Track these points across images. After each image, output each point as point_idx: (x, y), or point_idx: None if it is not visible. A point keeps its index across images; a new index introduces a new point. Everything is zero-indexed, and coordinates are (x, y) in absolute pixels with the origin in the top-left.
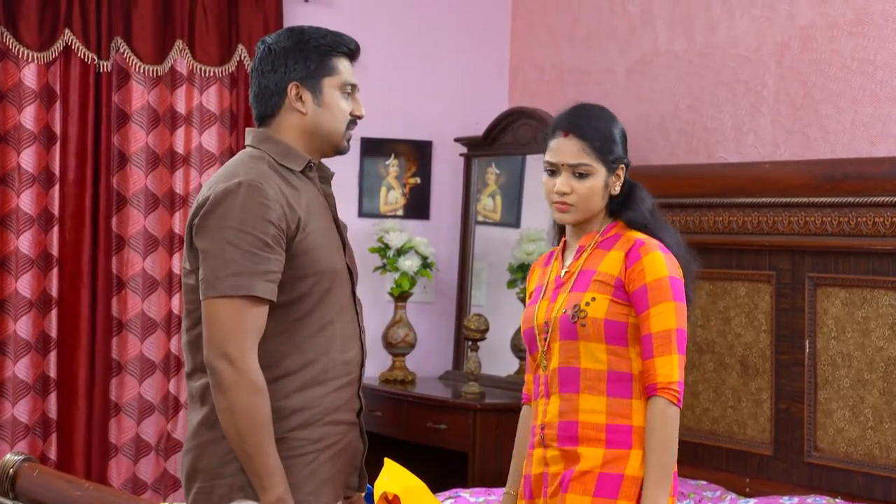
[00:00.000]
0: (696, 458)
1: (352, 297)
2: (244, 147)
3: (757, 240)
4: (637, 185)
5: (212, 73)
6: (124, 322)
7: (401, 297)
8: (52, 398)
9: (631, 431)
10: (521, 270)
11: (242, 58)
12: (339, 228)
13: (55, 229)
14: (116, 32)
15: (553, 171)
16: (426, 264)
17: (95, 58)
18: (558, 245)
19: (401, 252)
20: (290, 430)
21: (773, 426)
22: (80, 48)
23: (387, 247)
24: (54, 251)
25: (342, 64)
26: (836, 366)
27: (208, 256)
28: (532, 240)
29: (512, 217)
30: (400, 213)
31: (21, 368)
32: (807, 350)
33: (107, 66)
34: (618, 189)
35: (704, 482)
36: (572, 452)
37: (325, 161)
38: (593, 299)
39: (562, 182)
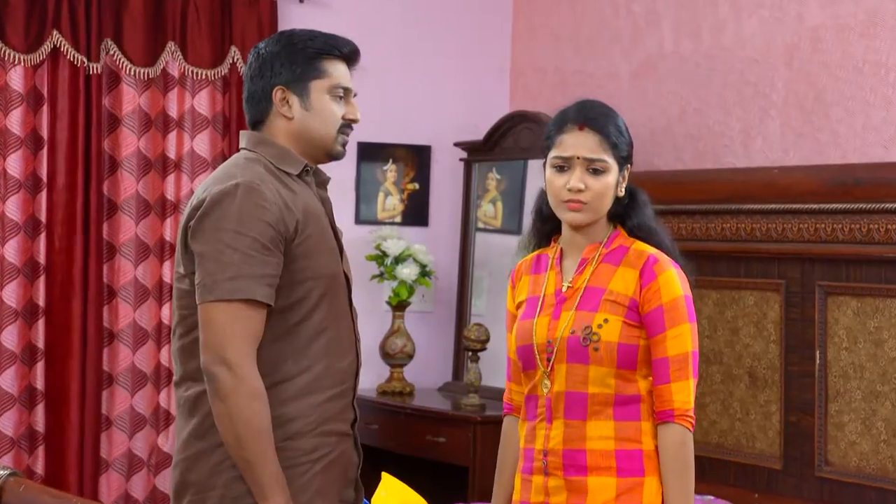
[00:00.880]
0: (703, 472)
1: (348, 305)
2: (238, 150)
3: (766, 247)
4: (638, 189)
5: (204, 76)
6: (115, 332)
7: (399, 306)
8: (39, 410)
9: (642, 456)
10: None
11: (235, 60)
12: (337, 234)
13: (42, 236)
14: (106, 34)
15: (563, 166)
16: (425, 272)
17: (85, 60)
18: (536, 251)
19: (399, 260)
20: (287, 439)
21: (782, 439)
22: (69, 50)
23: (384, 254)
24: (41, 259)
25: (333, 67)
26: (847, 377)
27: (205, 260)
28: (522, 250)
29: (513, 224)
30: (398, 219)
31: (6, 380)
32: (817, 361)
33: (96, 68)
34: (623, 191)
35: (712, 497)
36: (580, 483)
37: (321, 166)
38: (606, 321)
39: (576, 178)
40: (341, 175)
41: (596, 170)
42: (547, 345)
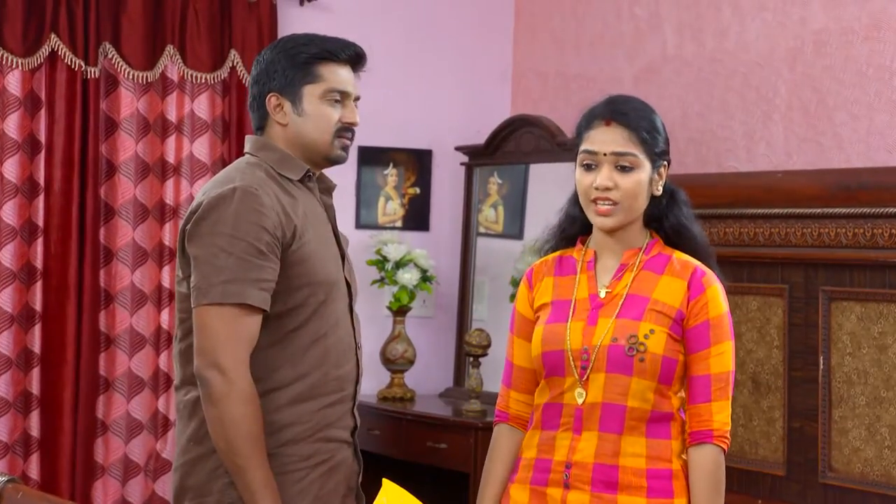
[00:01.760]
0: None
1: (349, 311)
2: (241, 155)
3: (769, 252)
4: (678, 189)
5: (203, 80)
6: (112, 337)
7: (399, 311)
8: (35, 416)
9: (671, 476)
10: None
11: (235, 64)
12: (339, 240)
13: (39, 241)
14: (105, 38)
15: (591, 164)
16: (426, 277)
17: (83, 64)
18: (556, 253)
19: (399, 265)
20: (281, 445)
21: (785, 446)
22: (67, 54)
23: (385, 259)
24: (38, 264)
25: (328, 71)
26: (851, 383)
27: (200, 263)
28: (536, 252)
29: (515, 228)
30: (399, 224)
31: (1, 385)
32: (821, 366)
33: (94, 72)
34: (660, 189)
35: None
36: (609, 501)
37: (327, 172)
38: (652, 332)
39: (604, 176)
40: (342, 179)
41: (625, 167)
42: (582, 351)
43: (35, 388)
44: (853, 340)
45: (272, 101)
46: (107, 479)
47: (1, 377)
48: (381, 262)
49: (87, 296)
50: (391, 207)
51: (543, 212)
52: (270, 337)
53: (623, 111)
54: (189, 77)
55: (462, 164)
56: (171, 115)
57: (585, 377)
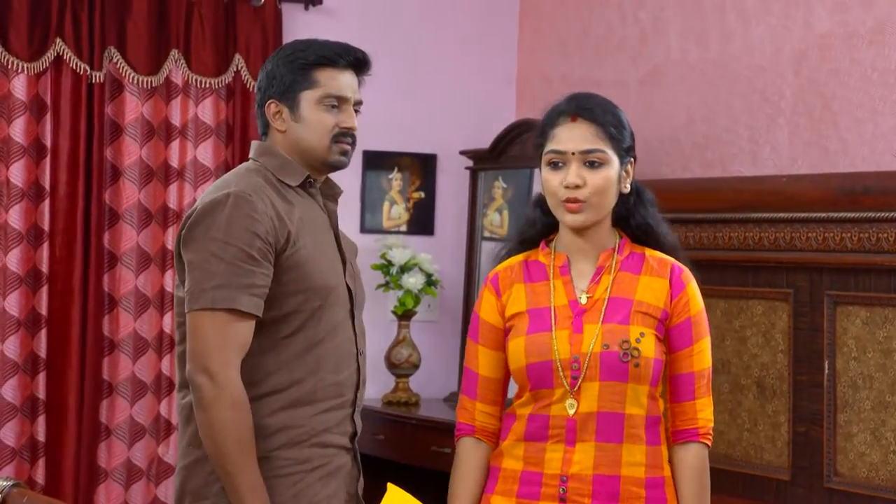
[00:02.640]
0: (711, 483)
1: (349, 317)
2: (244, 159)
3: (774, 256)
4: (645, 189)
5: (208, 85)
6: (116, 342)
7: (404, 315)
8: (41, 421)
9: (664, 484)
10: None
11: (239, 68)
12: (341, 247)
13: (45, 245)
14: (110, 42)
15: (558, 163)
16: (431, 282)
17: (88, 68)
18: (520, 256)
19: (404, 269)
20: (275, 448)
21: (791, 450)
22: (72, 58)
23: (390, 263)
24: (44, 268)
25: (325, 76)
26: (856, 387)
27: (193, 268)
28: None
29: None
30: (403, 228)
31: (8, 390)
32: (826, 371)
33: (99, 76)
34: (628, 187)
35: None
36: None
37: (334, 179)
38: (642, 335)
39: (573, 173)
40: (346, 184)
41: (593, 162)
42: (572, 360)
43: (41, 393)
44: (858, 345)
45: (271, 107)
46: (110, 483)
47: (8, 382)
48: (385, 267)
49: (91, 300)
50: (396, 212)
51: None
52: (265, 342)
53: (588, 107)
54: (193, 82)
55: (467, 168)
56: (176, 120)
57: (577, 387)
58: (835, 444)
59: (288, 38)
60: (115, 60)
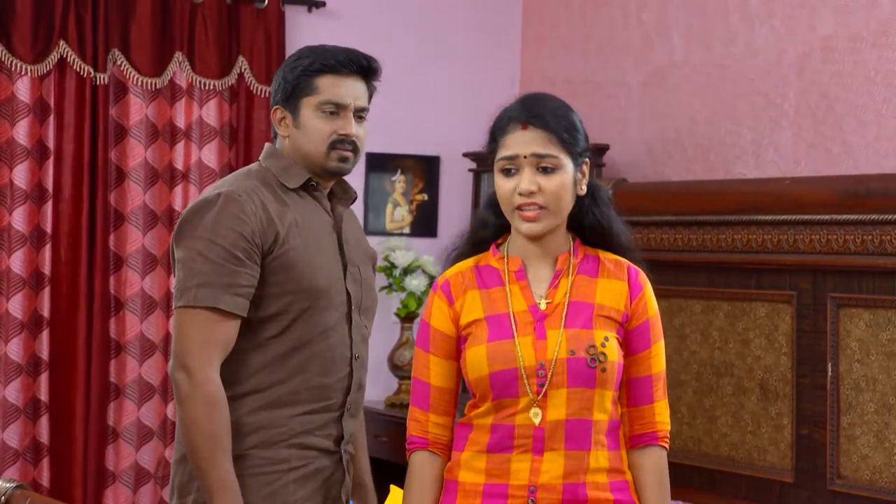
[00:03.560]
0: (713, 485)
1: (346, 321)
2: (248, 161)
3: (777, 259)
4: (600, 187)
5: (211, 87)
6: (122, 344)
7: (407, 317)
8: (44, 422)
9: (628, 488)
10: None
11: (243, 70)
12: (344, 250)
13: (48, 248)
14: (113, 44)
15: (510, 169)
16: None
17: (91, 70)
18: (470, 261)
19: (407, 271)
20: (251, 447)
21: (794, 452)
22: (76, 60)
23: (393, 266)
24: (47, 270)
25: (325, 83)
26: (859, 390)
27: (180, 266)
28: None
29: None
30: (406, 230)
31: (11, 392)
32: (829, 373)
33: (103, 78)
34: (584, 189)
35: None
36: None
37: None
38: (607, 339)
39: (527, 179)
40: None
41: (546, 168)
42: (538, 367)
43: (44, 395)
44: (862, 347)
45: (277, 113)
46: (118, 486)
47: (11, 384)
48: (388, 269)
49: (97, 303)
50: (399, 214)
51: None
52: (251, 341)
53: (538, 113)
54: (197, 84)
55: (470, 170)
56: (180, 122)
57: (542, 394)
58: (838, 447)
59: (291, 40)
60: (118, 62)
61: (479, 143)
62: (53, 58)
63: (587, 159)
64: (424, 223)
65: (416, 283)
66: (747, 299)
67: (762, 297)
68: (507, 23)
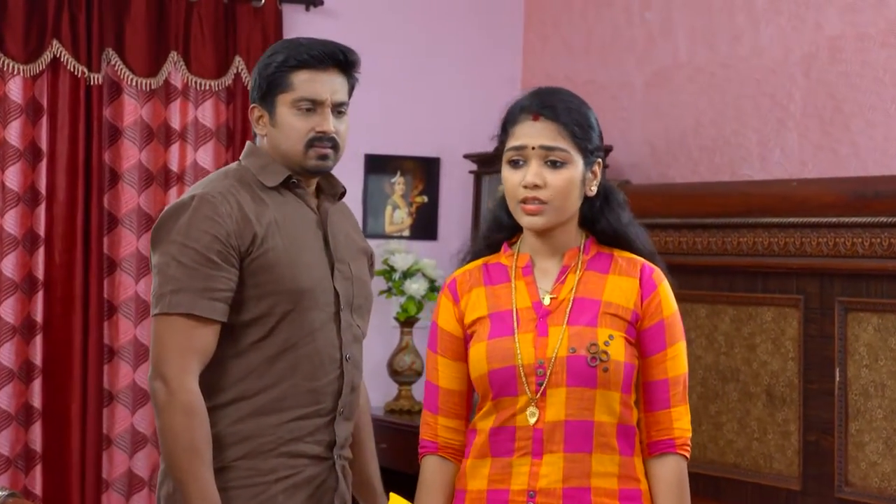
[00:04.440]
0: (719, 492)
1: (334, 321)
2: None
3: (784, 262)
4: (615, 190)
5: (207, 87)
6: (116, 349)
7: (407, 322)
8: (36, 428)
9: (641, 497)
10: None
11: (240, 70)
12: (330, 248)
13: (41, 251)
14: (108, 44)
15: (518, 160)
16: (434, 288)
17: (85, 70)
18: (479, 261)
19: (407, 275)
20: (237, 458)
21: (801, 459)
22: (70, 60)
23: (392, 269)
24: (40, 274)
25: (300, 78)
26: (868, 395)
27: (155, 272)
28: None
29: None
30: (406, 233)
31: (3, 398)
32: (837, 379)
33: (97, 78)
34: (594, 189)
35: None
36: None
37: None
38: (611, 338)
39: (532, 172)
40: (348, 187)
41: (555, 162)
42: (537, 366)
43: (36, 401)
44: (870, 352)
45: (254, 112)
46: (111, 493)
47: (3, 389)
48: (388, 273)
49: (91, 307)
50: (398, 216)
51: None
52: (234, 347)
53: (550, 104)
54: (193, 84)
55: (471, 171)
56: (175, 123)
57: (541, 393)
58: (846, 454)
59: None
60: (113, 62)
61: (480, 144)
62: (46, 57)
63: (600, 160)
64: (424, 226)
65: (415, 286)
66: (753, 303)
67: (768, 301)
68: (508, 22)
